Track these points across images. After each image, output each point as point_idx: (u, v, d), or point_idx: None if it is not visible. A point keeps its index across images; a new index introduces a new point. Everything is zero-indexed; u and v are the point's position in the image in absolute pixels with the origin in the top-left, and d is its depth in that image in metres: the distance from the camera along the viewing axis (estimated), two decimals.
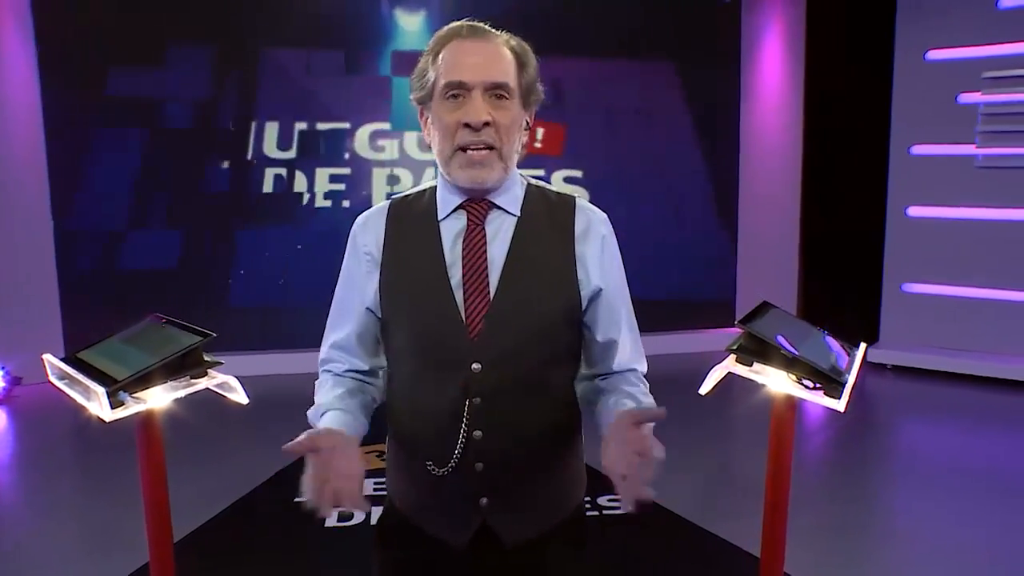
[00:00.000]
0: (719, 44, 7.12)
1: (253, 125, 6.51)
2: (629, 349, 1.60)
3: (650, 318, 7.00)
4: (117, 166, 6.35)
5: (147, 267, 6.42)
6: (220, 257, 6.58)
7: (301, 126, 6.58)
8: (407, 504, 1.61)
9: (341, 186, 6.67)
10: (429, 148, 1.54)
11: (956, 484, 4.10)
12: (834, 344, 1.80)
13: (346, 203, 6.61)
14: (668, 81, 7.07)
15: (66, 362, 1.65)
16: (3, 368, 5.75)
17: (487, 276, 1.49)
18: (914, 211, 6.28)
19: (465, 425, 1.47)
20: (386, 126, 6.67)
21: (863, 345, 1.88)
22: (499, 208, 1.53)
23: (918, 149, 6.23)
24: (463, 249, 1.50)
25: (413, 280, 1.52)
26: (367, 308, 1.57)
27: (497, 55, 1.46)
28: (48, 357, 1.71)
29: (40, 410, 5.58)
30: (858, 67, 6.60)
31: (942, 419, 5.30)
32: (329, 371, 1.64)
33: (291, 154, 6.59)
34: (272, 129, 6.54)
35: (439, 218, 1.53)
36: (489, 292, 1.48)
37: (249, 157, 6.53)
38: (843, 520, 3.71)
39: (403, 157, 6.72)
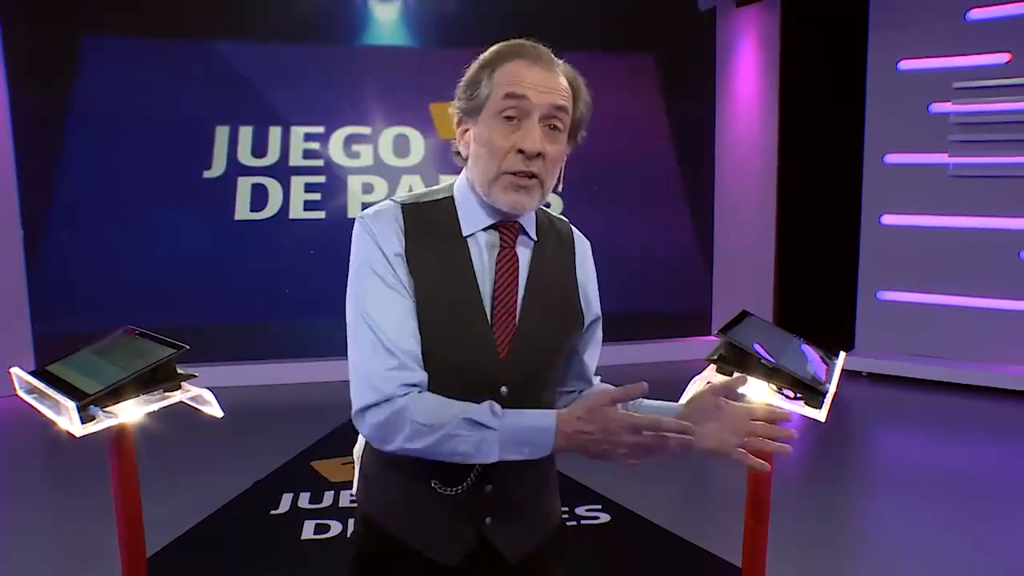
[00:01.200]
0: (693, 54, 7.17)
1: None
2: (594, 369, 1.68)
3: (627, 328, 7.02)
4: (89, 173, 6.28)
5: (123, 277, 6.36)
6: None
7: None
8: (394, 522, 1.52)
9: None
10: (458, 156, 1.49)
11: (932, 491, 4.13)
12: (812, 353, 1.80)
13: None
14: (645, 84, 7.11)
15: (35, 376, 1.62)
16: None
17: (517, 300, 1.46)
18: (888, 219, 6.34)
19: None
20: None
21: (843, 354, 1.88)
22: (524, 233, 1.50)
23: (891, 158, 6.30)
24: (497, 270, 1.46)
25: (444, 297, 1.43)
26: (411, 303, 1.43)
27: (558, 82, 1.42)
28: (16, 371, 1.68)
29: (10, 425, 5.48)
30: (832, 77, 6.67)
31: (918, 426, 5.34)
32: (417, 385, 1.40)
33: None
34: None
35: (464, 234, 1.47)
36: (516, 316, 1.46)
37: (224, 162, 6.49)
38: (820, 528, 3.72)
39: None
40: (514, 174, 1.39)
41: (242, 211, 6.54)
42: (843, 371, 5.86)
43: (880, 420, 5.62)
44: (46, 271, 6.23)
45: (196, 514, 3.83)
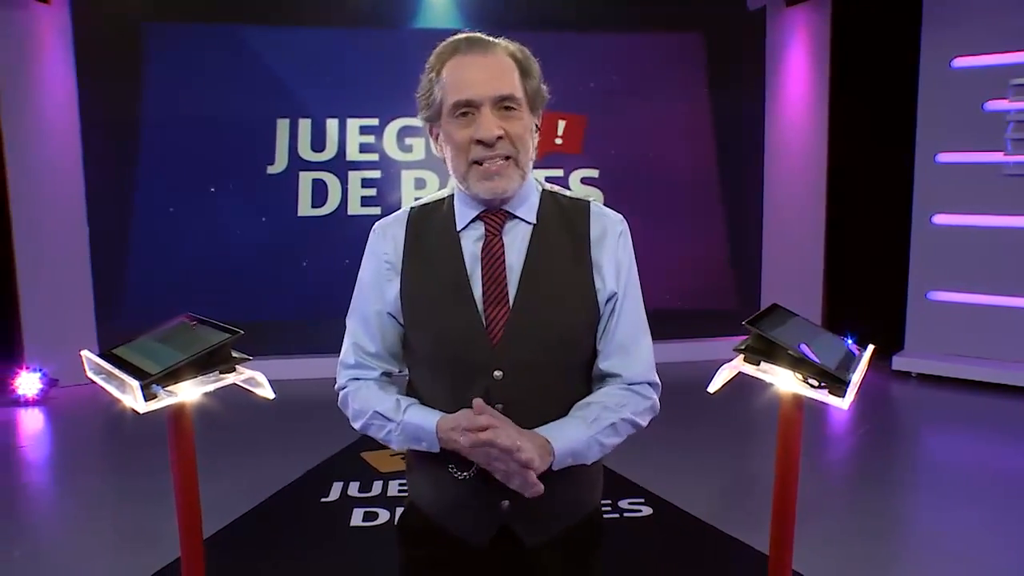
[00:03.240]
0: (744, 52, 7.15)
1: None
2: (621, 350, 1.59)
3: (671, 326, 7.01)
4: (154, 174, 6.50)
5: (182, 273, 6.56)
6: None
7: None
8: (429, 505, 1.63)
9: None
10: (443, 162, 1.57)
11: (980, 493, 4.09)
12: (841, 345, 1.84)
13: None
14: (695, 81, 7.13)
15: (102, 358, 1.74)
16: (41, 371, 5.90)
17: (506, 285, 1.51)
18: (940, 219, 6.25)
19: None
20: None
21: (871, 347, 1.92)
22: (516, 217, 1.56)
23: (944, 157, 6.20)
24: (482, 259, 1.53)
25: (435, 289, 1.54)
26: (388, 313, 1.60)
27: (500, 67, 1.48)
28: (86, 353, 1.80)
29: (75, 411, 5.73)
30: (883, 75, 6.59)
31: (967, 428, 5.26)
32: (359, 378, 1.65)
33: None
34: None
35: (458, 228, 1.56)
36: (509, 301, 1.51)
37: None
38: (867, 527, 3.70)
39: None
40: (480, 163, 1.47)
41: (304, 207, 6.70)
42: (892, 371, 5.76)
43: (929, 421, 5.55)
44: (112, 265, 6.46)
45: (250, 500, 3.98)
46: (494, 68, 1.47)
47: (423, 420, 1.50)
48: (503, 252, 1.53)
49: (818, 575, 3.16)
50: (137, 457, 4.66)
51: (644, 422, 1.60)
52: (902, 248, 6.43)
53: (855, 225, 6.84)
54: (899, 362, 6.29)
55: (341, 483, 4.18)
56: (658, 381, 1.64)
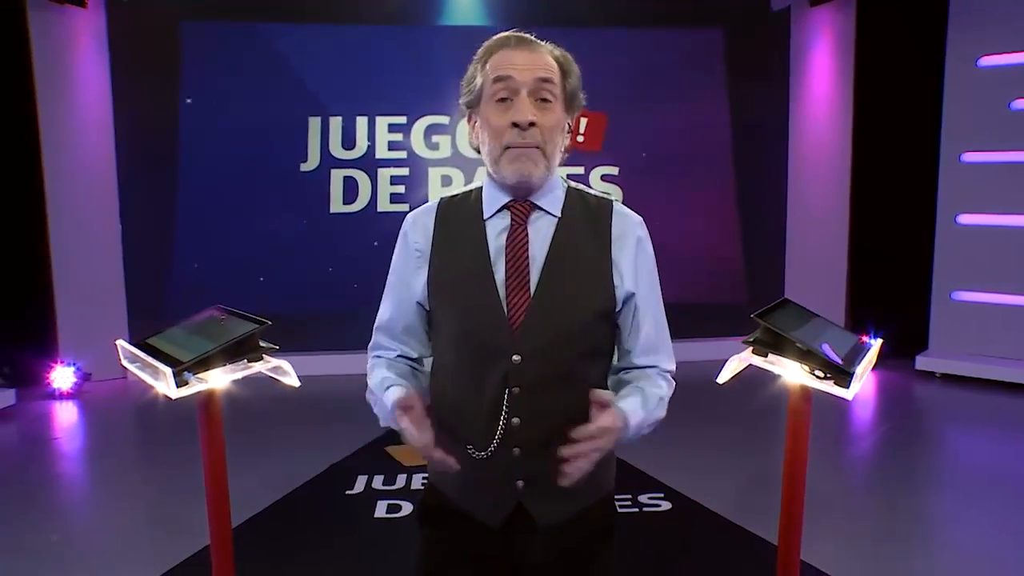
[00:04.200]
0: (769, 51, 7.17)
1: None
2: (651, 347, 1.67)
3: (692, 324, 7.00)
4: (192, 172, 6.65)
5: (209, 270, 6.69)
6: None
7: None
8: (447, 485, 1.70)
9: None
10: (477, 151, 1.64)
11: (1003, 494, 4.08)
12: (850, 338, 1.88)
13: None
14: (716, 81, 7.16)
15: (137, 347, 1.82)
16: (75, 365, 6.05)
17: (528, 273, 1.57)
18: (964, 219, 6.23)
19: (505, 412, 1.55)
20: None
21: (879, 340, 1.96)
22: (541, 209, 1.62)
23: (969, 156, 6.18)
24: (507, 247, 1.59)
25: (459, 275, 1.61)
26: (416, 301, 1.67)
27: (543, 61, 1.56)
28: (121, 343, 1.88)
29: (107, 404, 5.88)
30: (908, 74, 6.57)
31: (990, 428, 5.24)
32: (380, 356, 1.74)
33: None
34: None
35: (484, 217, 1.63)
36: (530, 288, 1.56)
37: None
38: (888, 527, 3.72)
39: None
40: (512, 148, 1.54)
41: (336, 204, 6.81)
42: (916, 371, 5.72)
43: (952, 421, 5.54)
44: (144, 262, 6.60)
45: (277, 492, 4.07)
46: (537, 60, 1.56)
47: (388, 400, 1.58)
48: (527, 242, 1.60)
49: (840, 572, 3.19)
50: (167, 449, 4.78)
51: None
52: (926, 248, 6.41)
53: (879, 225, 6.81)
54: (923, 362, 6.28)
55: (366, 476, 4.27)
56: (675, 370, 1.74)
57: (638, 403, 1.57)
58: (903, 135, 6.61)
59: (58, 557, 3.44)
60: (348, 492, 4.10)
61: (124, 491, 4.26)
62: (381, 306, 1.76)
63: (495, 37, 1.61)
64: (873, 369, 6.00)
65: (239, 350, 1.75)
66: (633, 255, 1.64)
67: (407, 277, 1.68)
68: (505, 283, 1.57)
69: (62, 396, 5.95)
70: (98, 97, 6.31)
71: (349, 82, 6.75)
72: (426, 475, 1.82)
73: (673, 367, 1.71)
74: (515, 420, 1.56)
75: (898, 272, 6.69)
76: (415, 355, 1.75)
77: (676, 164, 7.10)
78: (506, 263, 1.58)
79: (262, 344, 1.79)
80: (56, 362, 6.05)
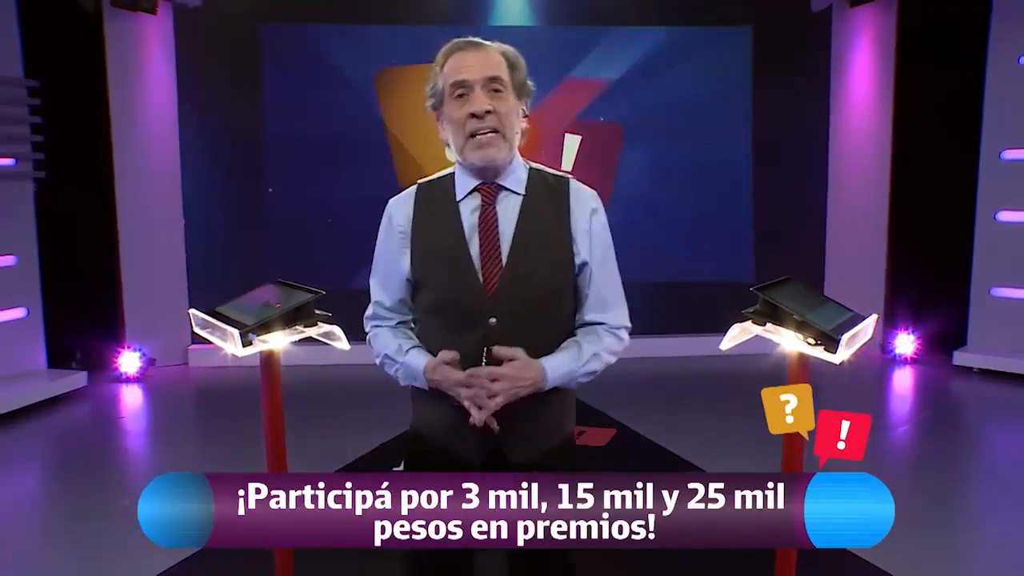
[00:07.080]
0: (809, 49, 7.24)
1: None
2: (601, 305, 1.92)
3: (731, 320, 7.08)
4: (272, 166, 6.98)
5: (268, 264, 7.01)
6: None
7: None
8: (431, 429, 1.96)
9: None
10: (447, 145, 1.89)
11: None
12: (846, 312, 2.04)
13: None
14: (760, 81, 7.27)
15: (207, 314, 2.07)
16: (140, 351, 6.41)
17: (500, 246, 1.84)
18: (1004, 216, 6.25)
19: None
20: None
21: (875, 316, 2.11)
22: (507, 189, 1.88)
23: (1009, 154, 6.20)
24: (479, 225, 1.85)
25: (438, 251, 1.87)
26: (403, 276, 1.92)
27: (490, 58, 1.82)
28: (194, 311, 2.13)
29: (170, 387, 6.24)
30: (949, 71, 6.60)
31: None
32: (380, 326, 1.99)
33: None
34: None
35: (457, 199, 1.88)
36: (502, 260, 1.83)
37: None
38: (921, 517, 3.71)
39: None
40: (474, 136, 1.80)
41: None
42: (954, 367, 5.74)
43: (990, 416, 5.57)
44: (204, 255, 6.93)
45: (329, 467, 4.32)
46: (486, 58, 1.83)
47: (416, 363, 1.86)
48: (496, 219, 1.86)
49: (872, 557, 3.27)
50: (223, 428, 5.09)
51: (614, 359, 1.94)
52: (966, 244, 6.44)
53: (919, 221, 6.85)
54: (961, 357, 6.32)
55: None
56: (630, 326, 1.98)
57: (569, 357, 1.85)
58: (943, 132, 6.64)
59: (131, 518, 3.72)
60: (396, 469, 4.31)
61: (183, 464, 4.53)
62: (372, 282, 2.00)
63: (449, 43, 1.87)
64: (912, 364, 6.04)
65: (296, 316, 1.99)
66: (587, 226, 1.90)
67: (394, 255, 1.93)
68: (480, 256, 1.83)
69: (128, 379, 6.30)
70: (165, 99, 6.66)
71: None
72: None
73: (626, 322, 1.96)
74: None
75: (937, 268, 6.72)
76: (409, 320, 2.00)
77: (717, 163, 7.26)
78: (479, 239, 1.84)
79: (317, 312, 2.03)
80: (123, 348, 6.40)
